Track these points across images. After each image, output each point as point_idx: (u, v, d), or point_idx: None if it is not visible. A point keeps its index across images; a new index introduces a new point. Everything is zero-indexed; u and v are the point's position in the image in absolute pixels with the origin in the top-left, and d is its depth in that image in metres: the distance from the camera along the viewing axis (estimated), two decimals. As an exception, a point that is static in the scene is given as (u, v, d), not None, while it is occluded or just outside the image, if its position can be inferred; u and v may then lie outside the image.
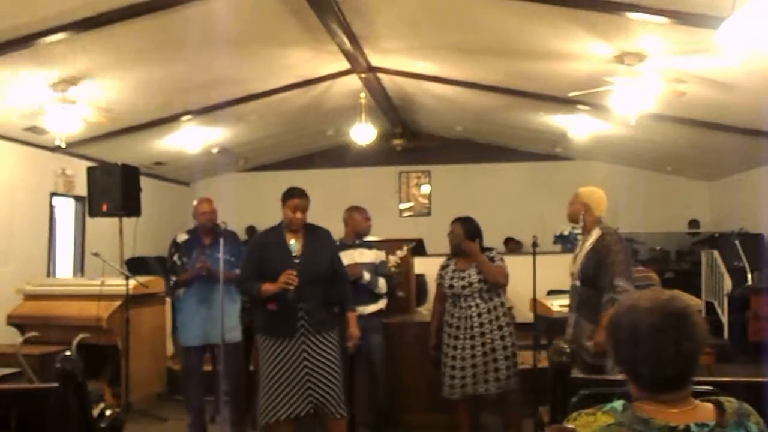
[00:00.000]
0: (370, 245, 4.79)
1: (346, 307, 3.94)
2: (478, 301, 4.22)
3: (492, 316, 4.22)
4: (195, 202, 4.89)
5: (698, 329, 1.40)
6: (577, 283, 3.75)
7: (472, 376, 4.16)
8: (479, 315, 4.20)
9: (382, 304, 4.69)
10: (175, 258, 4.74)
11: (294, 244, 3.74)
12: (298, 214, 3.74)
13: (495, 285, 4.25)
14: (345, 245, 4.63)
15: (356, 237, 4.76)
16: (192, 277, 4.63)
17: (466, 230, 4.30)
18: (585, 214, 3.75)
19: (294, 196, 3.76)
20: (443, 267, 4.41)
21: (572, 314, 3.79)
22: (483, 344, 4.16)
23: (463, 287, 4.23)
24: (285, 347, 3.67)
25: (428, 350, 4.45)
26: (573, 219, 3.86)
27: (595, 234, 3.71)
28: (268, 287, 3.65)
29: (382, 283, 4.66)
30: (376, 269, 4.66)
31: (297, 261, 3.70)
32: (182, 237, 4.81)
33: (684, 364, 1.39)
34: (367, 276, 4.56)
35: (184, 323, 4.73)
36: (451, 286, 4.27)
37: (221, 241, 4.14)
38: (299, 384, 3.64)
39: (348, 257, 4.43)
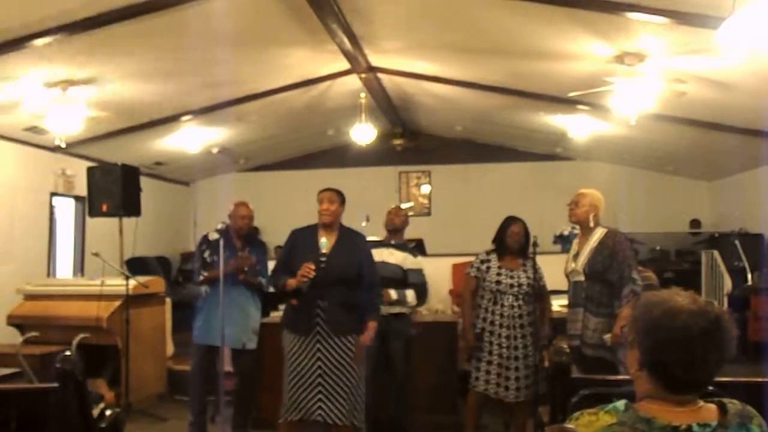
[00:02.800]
0: (403, 248, 4.67)
1: (367, 314, 3.88)
2: (521, 302, 4.23)
3: (531, 319, 4.24)
4: (232, 205, 4.84)
5: (733, 333, 1.42)
6: (581, 279, 3.84)
7: (516, 379, 4.15)
8: (521, 316, 4.21)
9: (407, 309, 4.56)
10: (206, 255, 4.68)
11: (324, 242, 3.75)
12: (325, 204, 3.80)
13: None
14: (378, 243, 4.57)
15: (391, 234, 4.69)
16: (227, 271, 4.43)
17: (526, 232, 4.36)
18: (594, 215, 3.88)
19: (322, 191, 3.89)
20: (483, 261, 4.35)
21: (575, 310, 3.87)
22: (525, 347, 4.18)
23: (511, 286, 4.22)
24: (301, 344, 3.70)
25: (467, 342, 4.32)
26: (582, 220, 3.92)
27: (600, 232, 3.86)
28: (291, 281, 3.70)
29: (411, 296, 4.52)
30: (405, 274, 4.54)
31: (323, 259, 3.71)
32: (214, 235, 4.71)
33: (717, 368, 1.40)
34: (393, 295, 4.41)
35: (205, 322, 4.63)
36: (498, 282, 4.24)
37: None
38: (311, 386, 3.64)
39: (377, 255, 4.30)
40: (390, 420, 4.60)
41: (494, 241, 4.41)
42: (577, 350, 3.75)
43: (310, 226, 3.92)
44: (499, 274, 4.27)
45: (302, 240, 3.87)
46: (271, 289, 4.58)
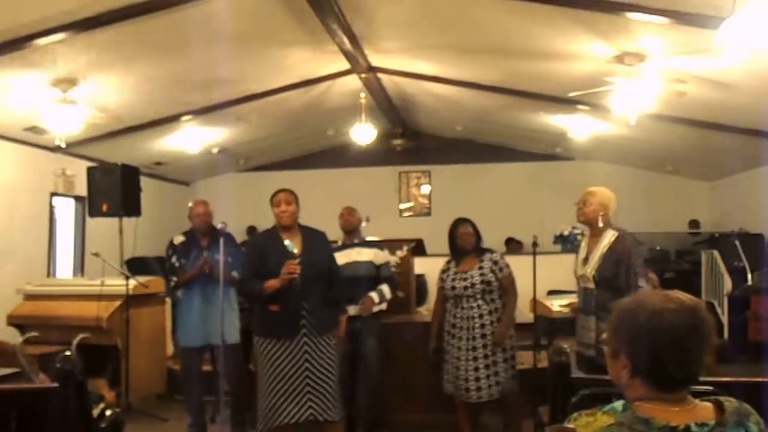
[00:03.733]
0: (370, 244, 4.74)
1: (340, 309, 4.00)
2: (480, 302, 4.22)
3: (494, 317, 4.22)
4: (190, 204, 4.88)
5: (712, 320, 1.45)
6: (591, 285, 3.65)
7: (476, 380, 4.15)
8: (481, 316, 4.20)
9: (382, 305, 4.63)
10: (173, 260, 4.74)
11: (290, 244, 3.73)
12: (283, 206, 3.77)
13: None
14: (343, 245, 4.62)
15: (349, 235, 4.71)
16: (192, 275, 4.62)
17: (476, 231, 4.35)
18: (603, 215, 3.66)
19: (277, 192, 3.85)
20: (444, 270, 4.42)
21: (587, 317, 3.69)
22: (485, 345, 4.16)
23: (465, 288, 4.23)
24: (286, 349, 3.66)
25: (428, 353, 4.43)
26: (590, 220, 3.70)
27: (610, 235, 3.63)
28: (271, 283, 3.63)
29: (387, 290, 4.58)
30: (378, 270, 4.59)
31: (297, 261, 3.70)
32: (179, 239, 4.81)
33: (704, 358, 1.42)
34: (376, 299, 4.48)
35: (183, 324, 4.73)
36: (453, 288, 4.28)
37: (221, 241, 4.13)
38: (299, 387, 3.64)
39: (345, 256, 4.41)
40: (371, 418, 4.61)
41: (449, 247, 4.43)
42: (592, 360, 3.58)
43: (269, 230, 3.89)
44: (453, 280, 4.30)
45: (267, 244, 3.83)
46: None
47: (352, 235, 4.70)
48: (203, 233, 4.75)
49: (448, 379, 4.28)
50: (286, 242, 3.73)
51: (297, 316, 3.66)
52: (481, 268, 4.26)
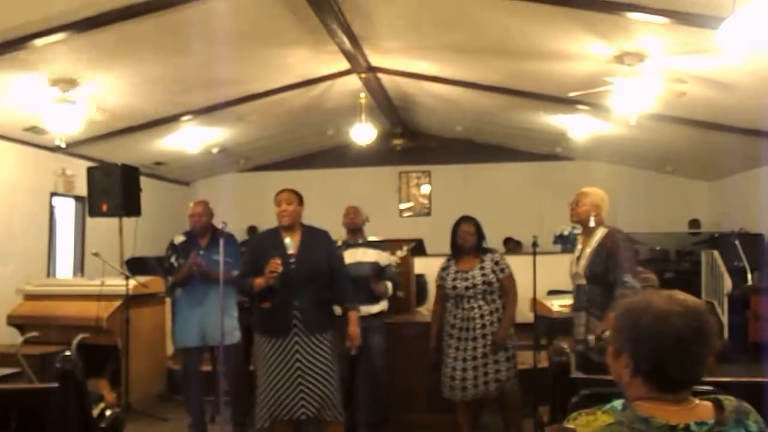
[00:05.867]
0: (374, 245, 4.77)
1: (348, 306, 3.94)
2: (481, 302, 4.21)
3: (494, 318, 4.22)
4: (191, 204, 4.88)
5: (714, 324, 1.45)
6: (583, 281, 3.74)
7: (473, 378, 4.16)
8: (482, 316, 4.19)
9: (384, 305, 4.66)
10: (172, 259, 4.74)
11: (289, 242, 3.75)
12: (283, 206, 3.80)
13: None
14: (348, 244, 4.64)
15: (353, 235, 4.74)
16: (185, 275, 4.62)
17: (478, 230, 4.33)
18: (596, 215, 3.76)
19: (279, 192, 3.88)
20: (444, 268, 4.40)
21: (579, 313, 3.76)
22: (485, 345, 4.16)
23: (467, 288, 4.22)
24: (278, 347, 3.68)
25: (429, 352, 4.41)
26: (582, 220, 3.81)
27: (601, 232, 3.72)
28: (259, 281, 3.69)
29: (390, 288, 4.63)
30: (381, 271, 4.62)
31: (292, 260, 3.72)
32: (179, 238, 4.82)
33: (708, 360, 1.41)
34: (390, 288, 4.54)
35: (180, 324, 4.72)
36: (454, 287, 4.26)
37: (221, 242, 4.12)
38: (292, 386, 3.65)
39: (350, 256, 4.45)
40: (378, 415, 4.62)
41: (450, 244, 4.41)
42: (583, 355, 3.64)
43: (272, 229, 3.92)
44: (454, 279, 4.27)
45: (266, 243, 3.87)
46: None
47: (356, 235, 4.73)
48: (201, 233, 4.74)
49: (445, 383, 4.24)
50: (286, 240, 3.76)
51: (288, 314, 3.68)
52: (482, 268, 4.25)
